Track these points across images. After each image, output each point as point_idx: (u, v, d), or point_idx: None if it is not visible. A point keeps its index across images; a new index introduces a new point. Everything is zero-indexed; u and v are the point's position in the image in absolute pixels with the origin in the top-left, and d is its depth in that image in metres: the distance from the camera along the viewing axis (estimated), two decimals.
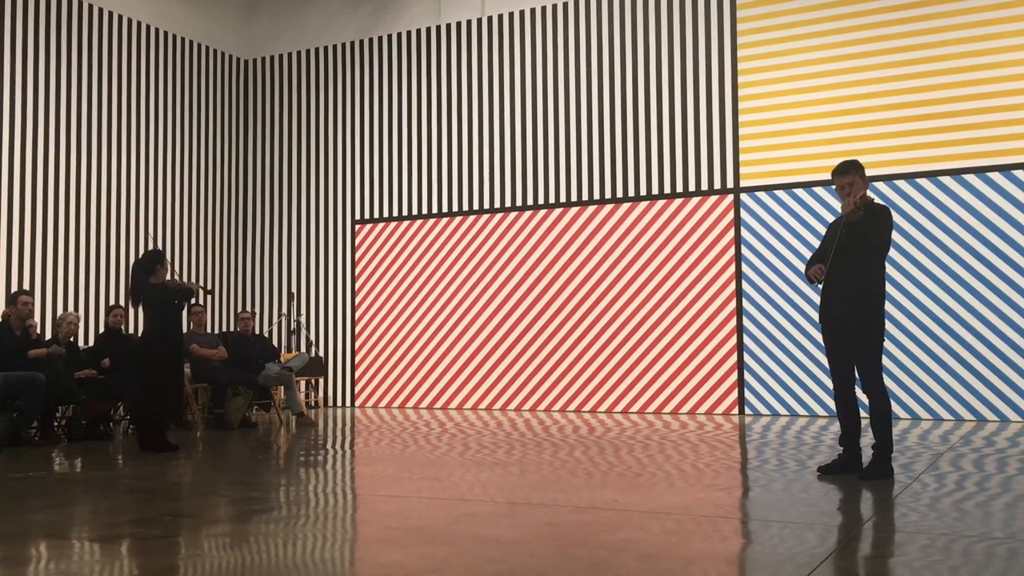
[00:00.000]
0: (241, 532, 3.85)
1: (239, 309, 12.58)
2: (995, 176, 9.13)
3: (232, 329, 12.01)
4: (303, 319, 12.42)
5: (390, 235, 11.98)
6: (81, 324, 10.09)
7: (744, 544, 3.59)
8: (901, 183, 9.47)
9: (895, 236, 8.97)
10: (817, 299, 6.78)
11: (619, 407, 10.56)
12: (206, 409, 9.08)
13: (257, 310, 12.71)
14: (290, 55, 12.80)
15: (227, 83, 12.77)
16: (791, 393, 9.83)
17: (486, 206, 11.43)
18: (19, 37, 10.14)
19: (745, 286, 10.06)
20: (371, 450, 7.02)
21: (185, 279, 11.68)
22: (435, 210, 11.74)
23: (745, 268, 10.07)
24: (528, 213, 11.17)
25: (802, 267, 9.54)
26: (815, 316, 8.83)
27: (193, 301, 8.59)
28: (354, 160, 12.30)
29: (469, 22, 11.71)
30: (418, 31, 12.01)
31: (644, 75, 10.72)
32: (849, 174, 5.24)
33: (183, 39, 12.08)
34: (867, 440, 5.30)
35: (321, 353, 12.20)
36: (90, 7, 10.91)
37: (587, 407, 10.72)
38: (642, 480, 5.17)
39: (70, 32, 10.66)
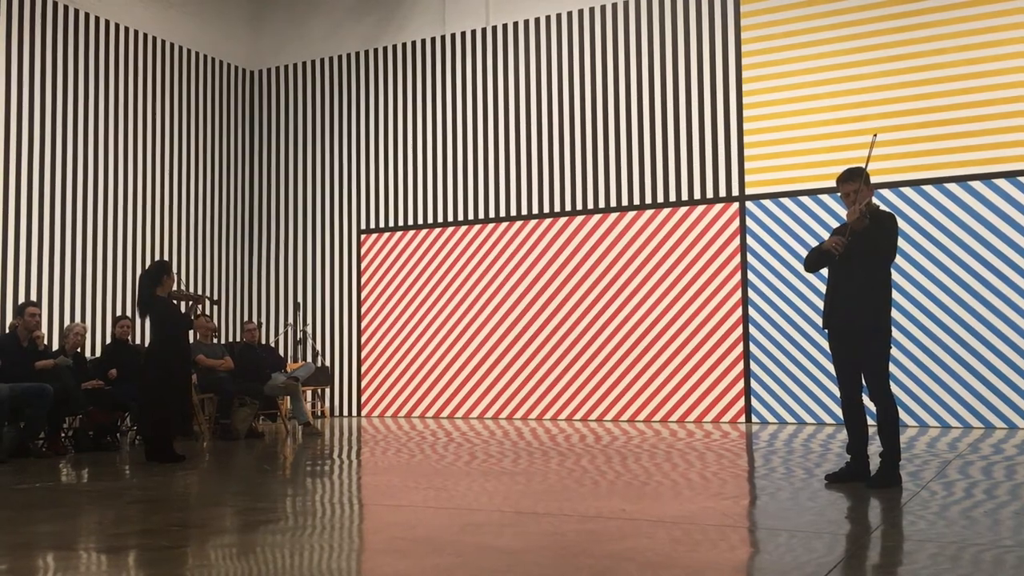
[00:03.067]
0: (248, 542, 3.85)
1: (246, 319, 12.60)
2: (1001, 183, 9.11)
3: (238, 339, 12.02)
4: (309, 329, 12.43)
5: (396, 244, 11.99)
6: (88, 335, 10.12)
7: (751, 553, 3.58)
8: (907, 190, 9.46)
9: (902, 243, 8.96)
10: (823, 305, 6.75)
11: (625, 416, 10.54)
12: (212, 419, 9.08)
13: (263, 320, 12.72)
14: (295, 66, 12.85)
15: (234, 94, 12.82)
16: (798, 401, 9.80)
17: (491, 215, 11.44)
18: (27, 49, 10.19)
19: (751, 294, 10.05)
20: (377, 460, 7.02)
21: (191, 289, 11.71)
22: (440, 219, 11.75)
23: (751, 276, 10.06)
24: (533, 222, 11.18)
25: (808, 274, 9.51)
26: (821, 323, 8.81)
27: (200, 311, 8.60)
28: (360, 170, 12.33)
29: (474, 32, 11.75)
30: (423, 41, 12.05)
31: (648, 83, 10.73)
32: (854, 181, 5.23)
33: (190, 51, 12.13)
34: (875, 448, 5.28)
35: (327, 363, 12.21)
36: (97, 19, 10.97)
37: (593, 416, 10.70)
38: (648, 489, 5.15)
39: (77, 44, 10.71)
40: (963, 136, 9.29)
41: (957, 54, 9.36)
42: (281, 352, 12.18)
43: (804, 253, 9.75)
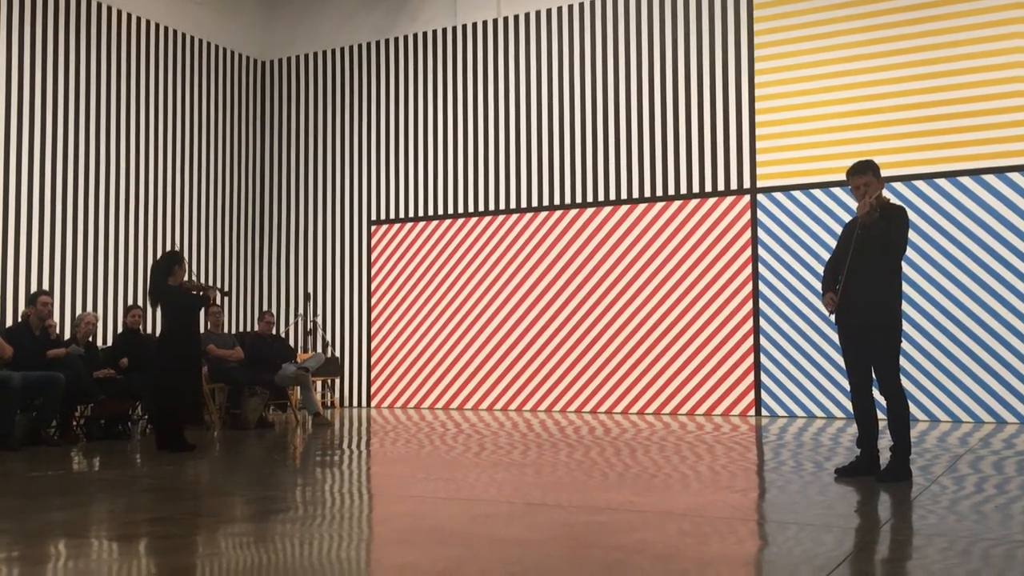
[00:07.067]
0: (258, 531, 3.87)
1: (263, 309, 12.64)
2: (1014, 176, 9.06)
3: (250, 329, 12.06)
4: (319, 319, 12.46)
5: (406, 236, 12.00)
6: (99, 324, 10.16)
7: (761, 546, 3.58)
8: (919, 183, 9.41)
9: (913, 236, 8.92)
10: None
11: (635, 408, 10.53)
12: (223, 409, 9.12)
13: (274, 311, 12.76)
14: (307, 56, 12.85)
15: (245, 84, 12.83)
16: (808, 395, 9.78)
17: (501, 207, 11.44)
18: (38, 39, 10.22)
19: (762, 287, 10.03)
20: (387, 450, 7.04)
21: (202, 280, 11.75)
22: (451, 211, 11.76)
23: (762, 269, 10.03)
24: (544, 214, 11.17)
25: (819, 268, 9.49)
26: (832, 317, 8.80)
27: (211, 301, 8.63)
28: (370, 161, 12.33)
29: (485, 23, 11.72)
30: (434, 32, 12.03)
31: (660, 75, 10.70)
32: (864, 174, 5.21)
33: (201, 41, 12.15)
34: (885, 442, 5.27)
35: (337, 353, 12.24)
36: (108, 9, 10.99)
37: (603, 408, 10.70)
38: (658, 481, 5.15)
39: (88, 34, 10.74)
40: (976, 129, 9.23)
41: (971, 46, 9.30)
42: (291, 342, 12.22)
43: (815, 246, 9.74)
